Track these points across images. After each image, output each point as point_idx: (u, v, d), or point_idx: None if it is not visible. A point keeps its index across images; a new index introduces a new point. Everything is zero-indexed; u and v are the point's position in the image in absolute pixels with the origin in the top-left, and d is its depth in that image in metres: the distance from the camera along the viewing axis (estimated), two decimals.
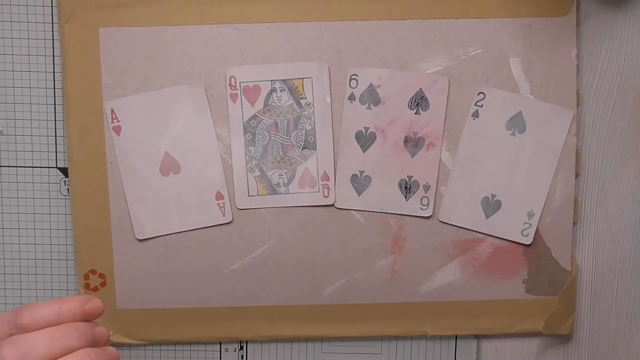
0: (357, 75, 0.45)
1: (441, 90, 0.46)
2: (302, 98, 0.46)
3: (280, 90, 0.46)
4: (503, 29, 0.45)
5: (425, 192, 0.46)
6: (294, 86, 0.45)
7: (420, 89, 0.46)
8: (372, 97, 0.46)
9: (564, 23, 0.46)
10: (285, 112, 0.46)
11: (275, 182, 0.46)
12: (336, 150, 0.46)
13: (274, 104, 0.46)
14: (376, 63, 0.45)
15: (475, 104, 0.46)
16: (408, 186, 0.46)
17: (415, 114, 0.46)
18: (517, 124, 0.46)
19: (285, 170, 0.46)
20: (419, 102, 0.46)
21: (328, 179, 0.46)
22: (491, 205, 0.47)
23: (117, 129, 0.46)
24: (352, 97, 0.46)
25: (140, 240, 0.46)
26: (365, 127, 0.46)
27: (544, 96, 0.46)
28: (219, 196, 0.46)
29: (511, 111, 0.46)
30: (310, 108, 0.46)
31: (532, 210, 0.46)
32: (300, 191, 0.46)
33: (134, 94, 0.45)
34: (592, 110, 0.47)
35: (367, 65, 0.46)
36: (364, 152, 0.46)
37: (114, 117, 0.45)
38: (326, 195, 0.46)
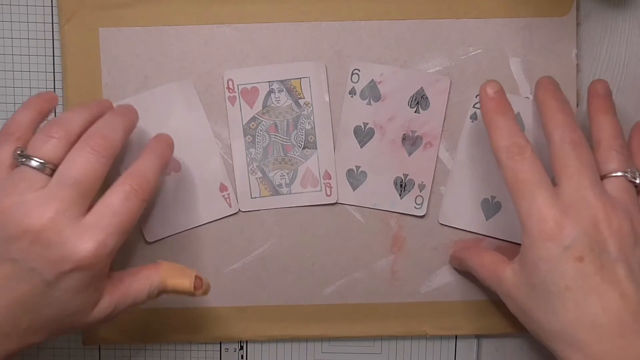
0: (359, 70, 0.45)
1: (442, 90, 0.46)
2: (300, 98, 0.46)
3: (279, 91, 0.46)
4: (503, 29, 0.46)
5: (420, 191, 0.46)
6: (292, 86, 0.45)
7: (422, 87, 0.46)
8: (372, 92, 0.46)
9: (563, 23, 0.46)
10: (284, 112, 0.46)
11: (277, 183, 0.46)
12: (335, 145, 0.46)
13: (273, 104, 0.46)
14: (376, 63, 0.46)
15: (474, 106, 0.46)
16: (403, 184, 0.46)
17: (415, 112, 0.46)
18: None
19: (287, 171, 0.46)
20: (419, 100, 0.46)
21: (330, 178, 0.46)
22: (491, 207, 0.47)
23: None
24: (352, 92, 0.46)
25: (147, 243, 0.46)
26: (364, 123, 0.46)
27: None
28: (223, 188, 0.46)
29: None
30: (309, 107, 0.46)
31: None
32: (302, 191, 0.46)
33: (129, 97, 0.45)
34: None
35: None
36: (361, 147, 0.46)
37: None
38: (328, 194, 0.46)
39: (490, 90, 0.41)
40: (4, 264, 0.35)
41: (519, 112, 0.46)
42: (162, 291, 0.40)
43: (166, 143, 0.42)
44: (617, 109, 0.43)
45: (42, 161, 0.36)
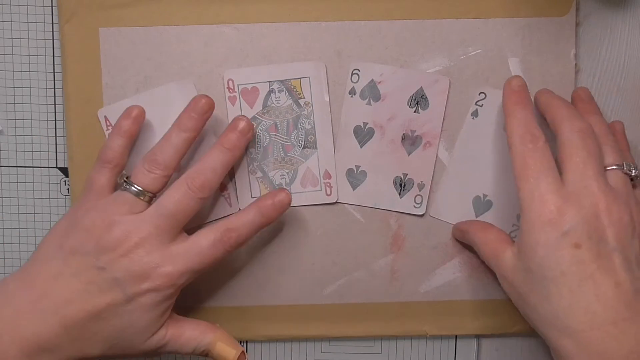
0: (359, 70, 0.46)
1: (442, 90, 0.46)
2: (300, 98, 0.46)
3: (279, 91, 0.46)
4: (502, 29, 0.46)
5: (420, 191, 0.46)
6: (292, 86, 0.45)
7: (421, 87, 0.46)
8: (372, 92, 0.46)
9: (563, 23, 0.46)
10: (284, 112, 0.46)
11: (277, 183, 0.46)
12: (335, 145, 0.46)
13: (273, 104, 0.46)
14: (376, 63, 0.46)
15: (476, 104, 0.46)
16: (403, 184, 0.46)
17: (415, 112, 0.46)
18: None
19: (287, 171, 0.46)
20: (418, 100, 0.46)
21: (330, 177, 0.46)
22: (482, 205, 0.47)
23: None
24: (352, 92, 0.46)
25: None
26: (364, 122, 0.46)
27: None
28: (223, 187, 0.46)
29: None
30: (309, 107, 0.46)
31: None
32: (302, 190, 0.46)
33: (129, 97, 0.45)
34: None
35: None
36: (361, 147, 0.46)
37: (108, 124, 0.45)
38: (328, 193, 0.46)
39: (514, 84, 0.42)
40: (91, 270, 0.39)
41: None
42: (208, 351, 0.43)
43: (272, 204, 0.42)
44: (617, 108, 0.43)
45: (141, 190, 0.41)
